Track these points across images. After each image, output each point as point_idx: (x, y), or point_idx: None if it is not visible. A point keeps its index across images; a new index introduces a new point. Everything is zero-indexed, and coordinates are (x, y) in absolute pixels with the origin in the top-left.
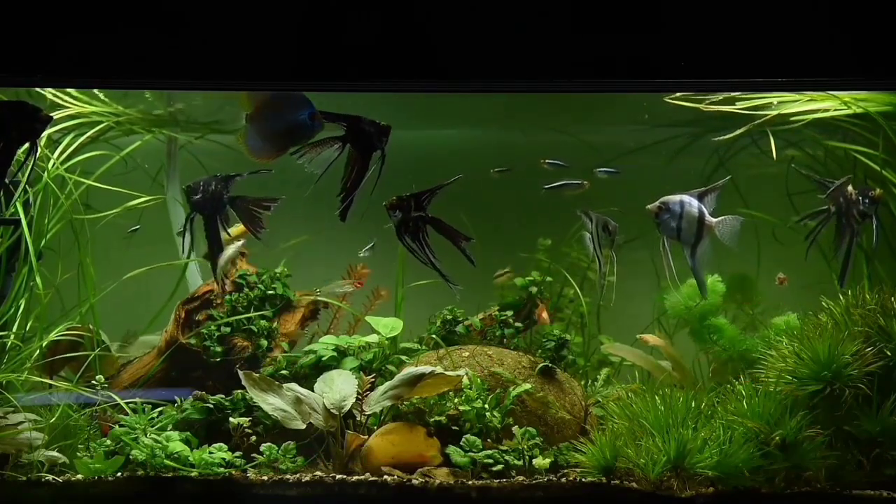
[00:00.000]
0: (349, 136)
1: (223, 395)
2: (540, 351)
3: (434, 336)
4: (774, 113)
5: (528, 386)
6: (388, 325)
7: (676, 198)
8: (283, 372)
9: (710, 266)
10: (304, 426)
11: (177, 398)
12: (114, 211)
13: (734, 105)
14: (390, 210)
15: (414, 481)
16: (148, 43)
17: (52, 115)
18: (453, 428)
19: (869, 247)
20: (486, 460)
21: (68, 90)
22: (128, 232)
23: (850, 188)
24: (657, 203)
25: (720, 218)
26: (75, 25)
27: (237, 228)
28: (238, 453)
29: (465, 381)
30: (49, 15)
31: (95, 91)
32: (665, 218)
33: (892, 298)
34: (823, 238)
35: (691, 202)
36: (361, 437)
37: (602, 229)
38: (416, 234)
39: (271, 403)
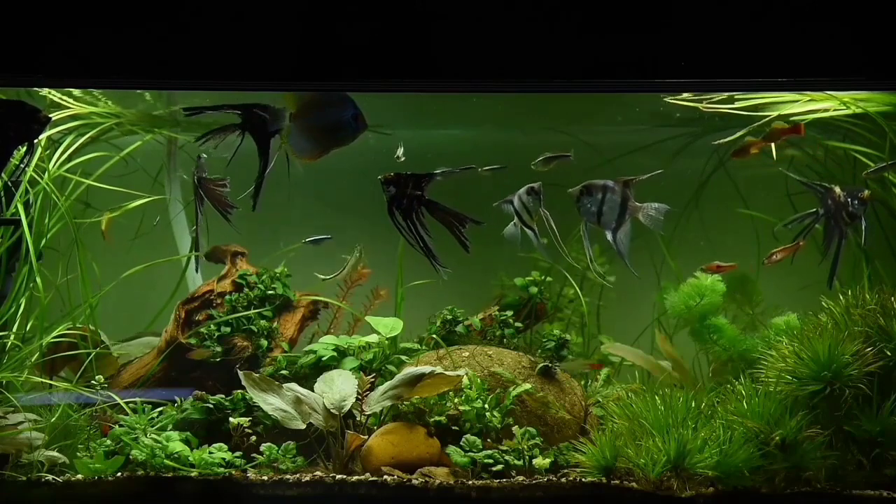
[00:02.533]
0: (245, 124)
1: (223, 395)
2: (540, 351)
3: (434, 336)
4: (775, 114)
5: (528, 386)
6: (388, 325)
7: (599, 182)
8: (283, 372)
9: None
10: (304, 426)
11: (177, 398)
12: (113, 214)
13: (734, 105)
14: (384, 184)
15: (414, 481)
16: (148, 43)
17: (50, 115)
18: (453, 428)
19: (869, 248)
20: (486, 460)
21: (68, 90)
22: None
23: (838, 190)
24: (579, 187)
25: (645, 204)
26: (75, 25)
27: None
28: (238, 453)
29: (465, 381)
30: (49, 15)
31: (94, 91)
32: (585, 202)
33: (892, 298)
34: (821, 237)
35: (614, 187)
36: (361, 437)
37: (527, 195)
38: (409, 212)
39: (271, 403)
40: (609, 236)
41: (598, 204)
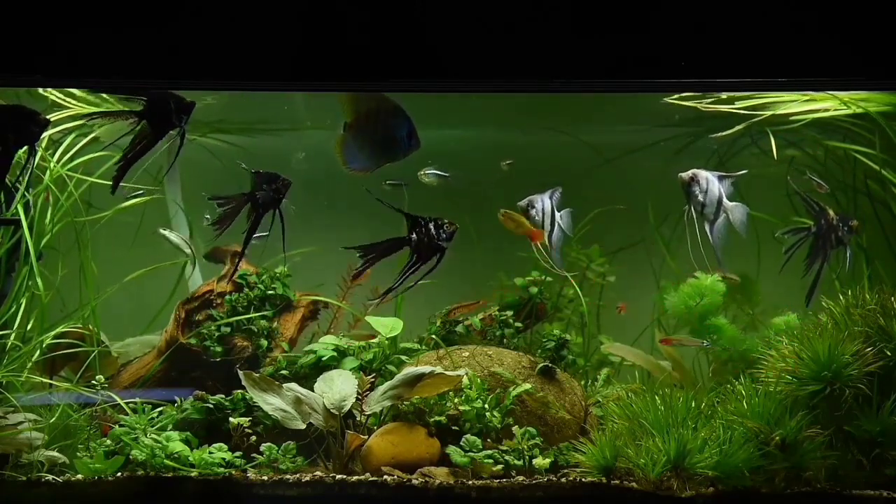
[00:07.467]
0: (146, 112)
1: (223, 395)
2: (540, 351)
3: (434, 336)
4: (772, 113)
5: (528, 386)
6: (388, 325)
7: (704, 172)
8: (283, 372)
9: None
10: (304, 426)
11: (177, 398)
12: (108, 213)
13: (734, 105)
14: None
15: (414, 481)
16: (148, 43)
17: (49, 117)
18: (453, 428)
19: (869, 248)
20: (486, 460)
21: (69, 89)
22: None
23: (831, 213)
24: (690, 173)
25: (735, 203)
26: (75, 25)
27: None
28: (238, 453)
29: (465, 381)
30: (49, 15)
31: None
32: (694, 189)
33: (892, 298)
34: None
35: (715, 179)
36: (361, 437)
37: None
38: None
39: (271, 403)
40: (707, 227)
41: (703, 193)
